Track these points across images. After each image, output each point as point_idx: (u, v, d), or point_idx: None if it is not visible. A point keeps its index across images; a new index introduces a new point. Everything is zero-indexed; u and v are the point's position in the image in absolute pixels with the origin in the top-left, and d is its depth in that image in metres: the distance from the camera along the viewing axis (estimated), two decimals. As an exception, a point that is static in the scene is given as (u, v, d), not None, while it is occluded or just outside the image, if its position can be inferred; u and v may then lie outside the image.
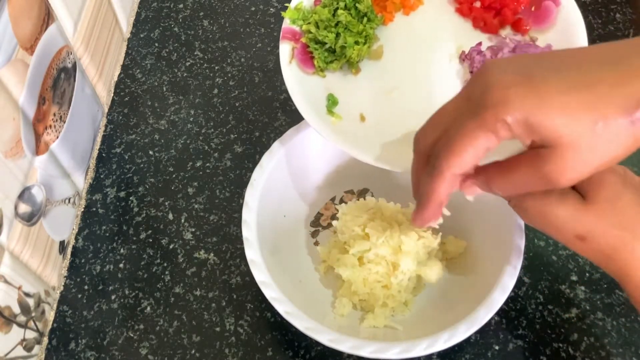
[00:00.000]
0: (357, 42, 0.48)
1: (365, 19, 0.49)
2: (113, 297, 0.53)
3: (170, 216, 0.57)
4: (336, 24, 0.48)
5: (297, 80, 0.48)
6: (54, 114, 0.52)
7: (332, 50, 0.48)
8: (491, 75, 0.31)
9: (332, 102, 0.47)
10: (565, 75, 0.31)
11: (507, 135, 0.31)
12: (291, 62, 0.48)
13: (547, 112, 0.30)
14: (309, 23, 0.49)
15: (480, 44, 0.48)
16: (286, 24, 0.50)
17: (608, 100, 0.30)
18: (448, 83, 0.48)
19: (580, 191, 0.35)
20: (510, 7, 0.49)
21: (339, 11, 0.48)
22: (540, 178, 0.32)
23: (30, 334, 0.48)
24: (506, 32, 0.50)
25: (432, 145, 0.35)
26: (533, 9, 0.49)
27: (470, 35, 0.50)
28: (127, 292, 0.53)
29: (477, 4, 0.51)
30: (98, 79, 0.62)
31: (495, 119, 0.30)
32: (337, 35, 0.48)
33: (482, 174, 0.35)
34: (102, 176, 0.60)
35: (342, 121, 0.47)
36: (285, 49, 0.49)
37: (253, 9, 0.72)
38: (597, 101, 0.30)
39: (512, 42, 0.48)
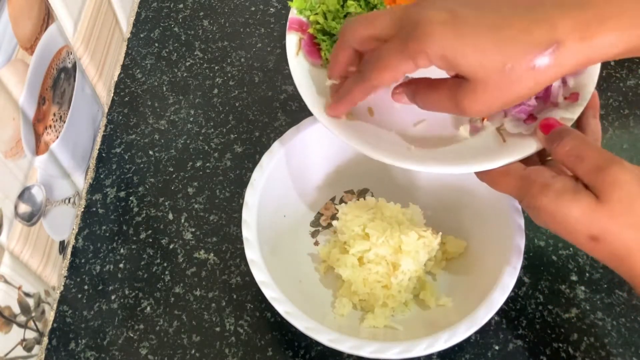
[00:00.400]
0: None
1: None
2: (113, 297, 0.53)
3: (170, 216, 0.57)
4: (345, 15, 0.47)
5: (303, 72, 0.47)
6: (54, 114, 0.52)
7: None
8: (423, 8, 0.35)
9: None
10: (484, 15, 0.34)
11: (425, 64, 0.35)
12: (298, 54, 0.48)
13: (462, 50, 0.34)
14: (317, 14, 0.48)
15: None
16: (293, 14, 0.49)
17: (516, 45, 0.33)
18: None
19: (593, 191, 0.35)
20: None
21: (349, 2, 0.47)
22: (454, 104, 0.36)
23: (30, 334, 0.48)
24: None
25: (360, 40, 0.39)
26: None
27: None
28: (127, 292, 0.53)
29: None
30: (98, 79, 0.62)
31: (416, 50, 0.35)
32: None
33: (412, 85, 0.40)
34: (102, 176, 0.60)
35: (350, 115, 0.46)
36: (292, 40, 0.48)
37: (253, 9, 0.72)
38: (506, 44, 0.33)
39: None
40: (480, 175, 0.40)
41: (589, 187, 0.35)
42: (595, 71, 0.41)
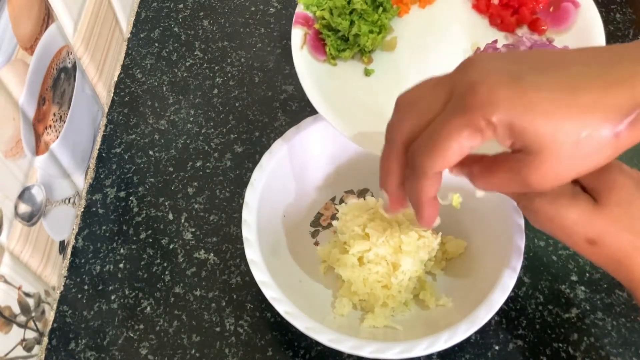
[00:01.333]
0: (371, 31, 0.47)
1: (380, 9, 0.48)
2: (113, 297, 0.53)
3: (170, 216, 0.57)
4: (351, 12, 0.47)
5: (307, 66, 0.47)
6: (54, 114, 0.52)
7: (345, 39, 0.48)
8: (478, 71, 0.31)
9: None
10: (553, 78, 0.30)
11: (491, 136, 0.30)
12: (302, 48, 0.48)
13: (533, 117, 0.29)
14: (324, 9, 0.48)
15: (495, 41, 0.47)
16: (300, 9, 0.49)
17: (593, 111, 0.29)
18: None
19: (591, 194, 0.34)
20: (528, 6, 0.48)
21: None
22: (519, 182, 0.31)
23: (30, 334, 0.48)
24: (523, 31, 0.49)
25: (409, 134, 0.33)
26: (552, 9, 0.48)
27: (486, 33, 0.49)
28: (127, 292, 0.53)
29: (495, 1, 0.50)
30: (98, 79, 0.62)
31: (481, 119, 0.30)
32: (351, 23, 0.47)
33: (466, 169, 0.35)
34: (102, 176, 0.60)
35: (351, 111, 0.46)
36: (297, 34, 0.48)
37: (253, 9, 0.72)
38: (583, 110, 0.29)
39: (529, 42, 0.47)
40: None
41: (587, 189, 0.35)
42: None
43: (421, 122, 0.33)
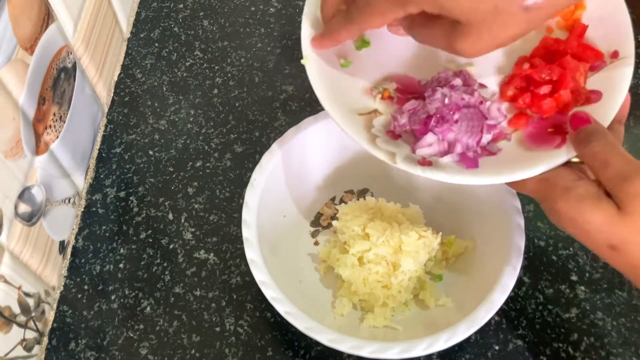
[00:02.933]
0: None
1: None
2: (113, 297, 0.53)
3: (170, 216, 0.57)
4: None
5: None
6: (54, 114, 0.52)
7: None
8: None
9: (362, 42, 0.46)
10: None
11: (415, 10, 0.35)
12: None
13: None
14: None
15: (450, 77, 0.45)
16: None
17: None
18: None
19: (615, 200, 0.34)
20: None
21: None
22: (448, 44, 0.36)
23: (30, 334, 0.48)
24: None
25: None
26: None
27: None
28: (127, 292, 0.53)
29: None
30: (98, 79, 0.62)
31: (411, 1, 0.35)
32: None
33: (409, 19, 0.39)
34: (102, 176, 0.60)
35: (345, 62, 0.45)
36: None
37: (253, 9, 0.72)
38: None
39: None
40: None
41: (611, 195, 0.34)
42: (628, 72, 0.39)
43: None
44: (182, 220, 0.56)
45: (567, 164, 0.38)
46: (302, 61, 0.44)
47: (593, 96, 0.39)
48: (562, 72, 0.40)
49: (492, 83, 0.44)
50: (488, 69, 0.44)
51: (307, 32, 0.44)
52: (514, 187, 0.40)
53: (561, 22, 0.44)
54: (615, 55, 0.40)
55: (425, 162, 0.39)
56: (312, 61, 0.43)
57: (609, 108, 0.38)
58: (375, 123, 0.42)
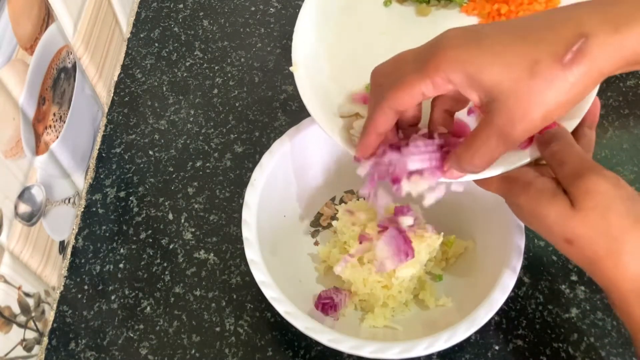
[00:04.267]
0: None
1: None
2: (113, 297, 0.53)
3: (170, 216, 0.57)
4: None
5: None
6: (54, 114, 0.52)
7: None
8: (445, 35, 0.34)
9: None
10: (505, 31, 0.33)
11: (444, 84, 0.33)
12: None
13: (483, 62, 0.32)
14: None
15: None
16: None
17: (540, 46, 0.31)
18: None
19: (569, 196, 0.35)
20: None
21: None
22: (497, 136, 0.33)
23: (30, 334, 0.48)
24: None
25: (403, 107, 0.37)
26: None
27: None
28: (127, 292, 0.53)
29: None
30: (98, 79, 0.62)
31: (434, 69, 0.33)
32: None
33: (452, 156, 0.36)
34: (102, 176, 0.60)
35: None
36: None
37: (253, 9, 0.72)
38: (530, 49, 0.31)
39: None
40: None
41: (567, 191, 0.36)
42: None
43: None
44: (182, 220, 0.56)
45: (534, 164, 0.39)
46: (291, 68, 0.46)
47: None
48: None
49: None
50: None
51: (298, 39, 0.46)
52: (481, 185, 0.41)
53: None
54: None
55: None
56: (301, 68, 0.46)
57: (574, 116, 0.39)
58: (355, 125, 0.43)
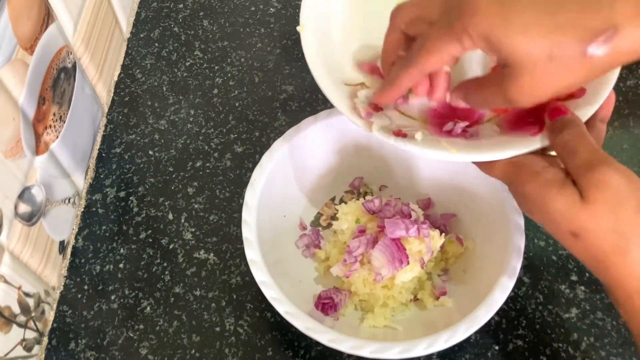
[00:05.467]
0: None
1: None
2: (113, 297, 0.53)
3: (170, 216, 0.57)
4: None
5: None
6: (54, 114, 0.52)
7: None
8: None
9: None
10: (536, 3, 0.32)
11: (471, 46, 0.33)
12: None
13: (507, 31, 0.32)
14: None
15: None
16: None
17: (566, 29, 0.31)
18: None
19: (579, 188, 0.34)
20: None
21: None
22: (502, 96, 0.34)
23: (30, 334, 0.48)
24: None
25: (408, 24, 0.38)
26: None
27: None
28: (127, 292, 0.53)
29: None
30: (98, 79, 0.62)
31: (462, 30, 0.33)
32: None
33: (463, 87, 0.38)
34: (102, 176, 0.60)
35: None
36: None
37: (253, 9, 0.72)
38: (556, 28, 0.31)
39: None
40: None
41: (576, 183, 0.35)
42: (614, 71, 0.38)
43: (419, 16, 0.37)
44: (182, 220, 0.56)
45: (542, 154, 0.38)
46: (298, 28, 0.44)
47: (577, 92, 0.39)
48: None
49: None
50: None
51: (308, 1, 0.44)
52: (483, 168, 0.39)
53: None
54: None
55: (399, 133, 0.39)
56: (308, 30, 0.44)
57: (591, 103, 0.38)
58: (359, 94, 0.43)
